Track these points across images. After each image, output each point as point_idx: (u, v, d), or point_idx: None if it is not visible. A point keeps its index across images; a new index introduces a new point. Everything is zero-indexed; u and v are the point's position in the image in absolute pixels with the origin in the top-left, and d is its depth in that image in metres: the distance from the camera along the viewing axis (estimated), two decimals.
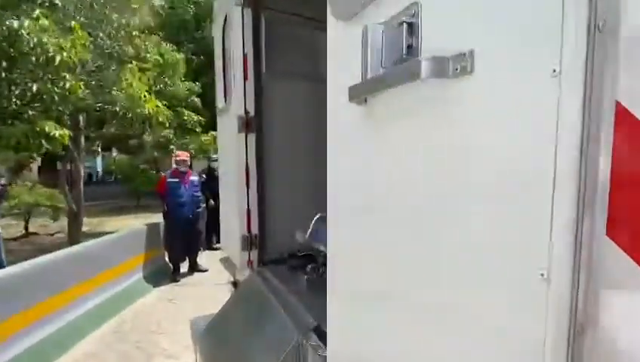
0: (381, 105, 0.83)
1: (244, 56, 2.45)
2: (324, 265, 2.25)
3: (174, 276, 5.35)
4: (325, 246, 2.11)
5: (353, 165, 1.00)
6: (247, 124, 2.47)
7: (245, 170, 2.50)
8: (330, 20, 1.04)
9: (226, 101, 2.89)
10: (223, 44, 2.92)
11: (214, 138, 10.58)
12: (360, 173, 0.97)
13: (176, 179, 5.42)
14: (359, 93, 0.85)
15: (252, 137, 2.50)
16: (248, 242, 2.54)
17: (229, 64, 2.50)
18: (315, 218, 2.30)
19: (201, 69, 13.64)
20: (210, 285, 5.18)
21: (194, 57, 12.15)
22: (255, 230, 2.55)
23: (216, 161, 7.41)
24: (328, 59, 1.08)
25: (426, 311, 0.74)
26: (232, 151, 2.57)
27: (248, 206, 2.52)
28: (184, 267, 5.64)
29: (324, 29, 3.01)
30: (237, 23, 2.42)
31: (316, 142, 2.84)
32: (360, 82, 0.84)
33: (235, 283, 2.97)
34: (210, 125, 11.14)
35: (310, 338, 1.64)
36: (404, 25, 0.71)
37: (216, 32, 2.97)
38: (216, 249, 7.22)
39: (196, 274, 5.66)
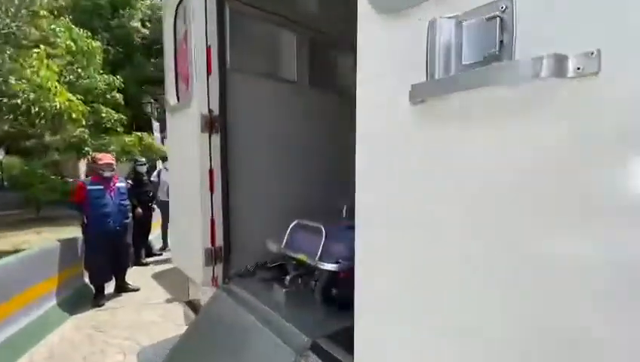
0: (452, 106, 0.77)
1: (208, 48, 2.21)
2: (304, 275, 2.13)
3: (98, 300, 4.57)
4: (305, 254, 2.00)
5: (398, 168, 0.92)
6: (211, 124, 2.22)
7: (209, 175, 2.24)
8: (367, 13, 0.95)
9: (178, 98, 2.58)
10: (174, 33, 2.59)
11: (139, 138, 9.51)
12: (409, 177, 0.90)
13: (100, 186, 4.66)
14: (425, 93, 0.78)
15: (216, 138, 2.26)
16: (212, 256, 2.28)
17: (189, 56, 2.22)
18: (292, 225, 2.17)
19: (120, 62, 12.18)
20: (144, 306, 4.57)
21: (110, 48, 10.72)
22: (220, 242, 2.30)
23: (142, 164, 6.63)
24: (361, 54, 0.99)
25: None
26: (191, 153, 2.28)
27: (212, 215, 2.26)
28: (109, 287, 4.88)
29: (293, 28, 2.90)
30: (199, 11, 2.17)
31: (286, 145, 2.70)
32: (427, 80, 0.77)
33: (190, 303, 2.63)
34: (133, 125, 9.98)
35: (309, 358, 1.51)
36: (497, 20, 0.67)
37: (167, 18, 2.62)
38: (145, 264, 6.44)
39: (125, 295, 4.93)
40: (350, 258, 1.90)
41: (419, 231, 0.89)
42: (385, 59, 0.92)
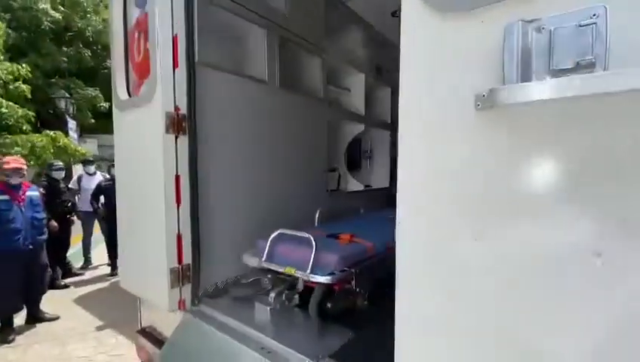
0: (531, 113, 0.74)
1: (174, 37, 1.94)
2: (288, 290, 1.97)
3: (5, 335, 3.73)
4: (292, 267, 1.85)
5: (452, 173, 0.87)
6: (178, 124, 1.95)
7: (175, 183, 1.96)
8: (419, 12, 0.89)
9: (130, 92, 2.23)
10: (124, 18, 2.24)
11: (52, 139, 8.08)
12: (464, 184, 0.85)
13: (5, 197, 3.83)
14: (503, 98, 0.74)
15: (184, 140, 1.99)
16: (179, 276, 1.99)
17: (152, 45, 1.91)
18: (273, 235, 2.00)
19: (23, 48, 10.32)
20: (68, 338, 3.86)
21: (10, 31, 8.97)
22: (188, 259, 2.02)
23: (59, 169, 5.68)
24: (409, 54, 0.92)
25: None
26: (151, 157, 1.97)
27: (179, 229, 1.98)
28: (19, 318, 4.03)
29: (264, 25, 2.72)
30: None
31: (259, 149, 2.50)
32: (505, 85, 0.73)
33: (146, 332, 2.27)
34: (38, 122, 8.44)
35: None
36: (592, 26, 0.65)
37: (115, 2, 2.25)
38: (64, 286, 5.49)
39: (40, 327, 4.12)
40: (341, 269, 1.82)
41: (473, 244, 0.85)
42: (442, 60, 0.86)
